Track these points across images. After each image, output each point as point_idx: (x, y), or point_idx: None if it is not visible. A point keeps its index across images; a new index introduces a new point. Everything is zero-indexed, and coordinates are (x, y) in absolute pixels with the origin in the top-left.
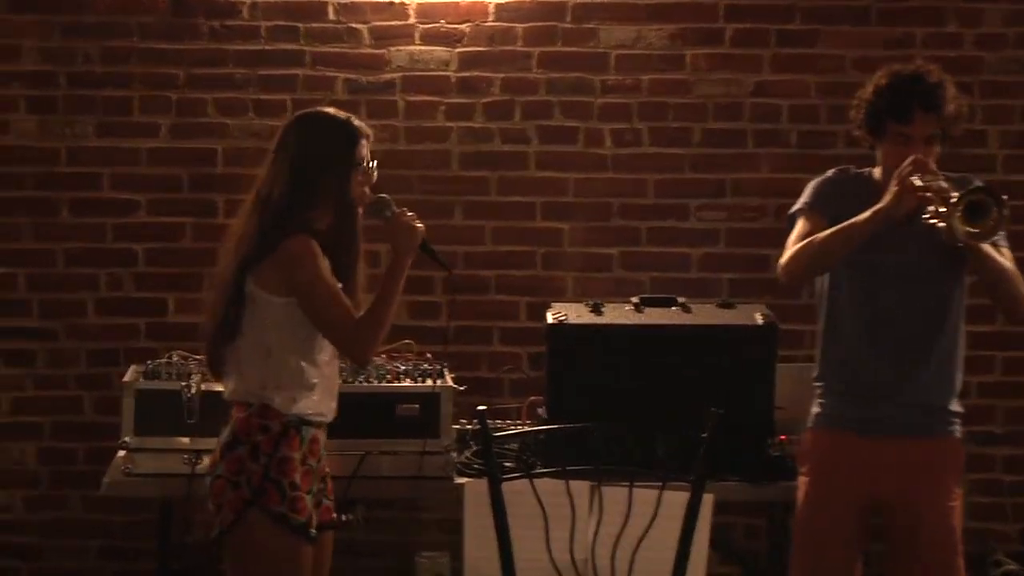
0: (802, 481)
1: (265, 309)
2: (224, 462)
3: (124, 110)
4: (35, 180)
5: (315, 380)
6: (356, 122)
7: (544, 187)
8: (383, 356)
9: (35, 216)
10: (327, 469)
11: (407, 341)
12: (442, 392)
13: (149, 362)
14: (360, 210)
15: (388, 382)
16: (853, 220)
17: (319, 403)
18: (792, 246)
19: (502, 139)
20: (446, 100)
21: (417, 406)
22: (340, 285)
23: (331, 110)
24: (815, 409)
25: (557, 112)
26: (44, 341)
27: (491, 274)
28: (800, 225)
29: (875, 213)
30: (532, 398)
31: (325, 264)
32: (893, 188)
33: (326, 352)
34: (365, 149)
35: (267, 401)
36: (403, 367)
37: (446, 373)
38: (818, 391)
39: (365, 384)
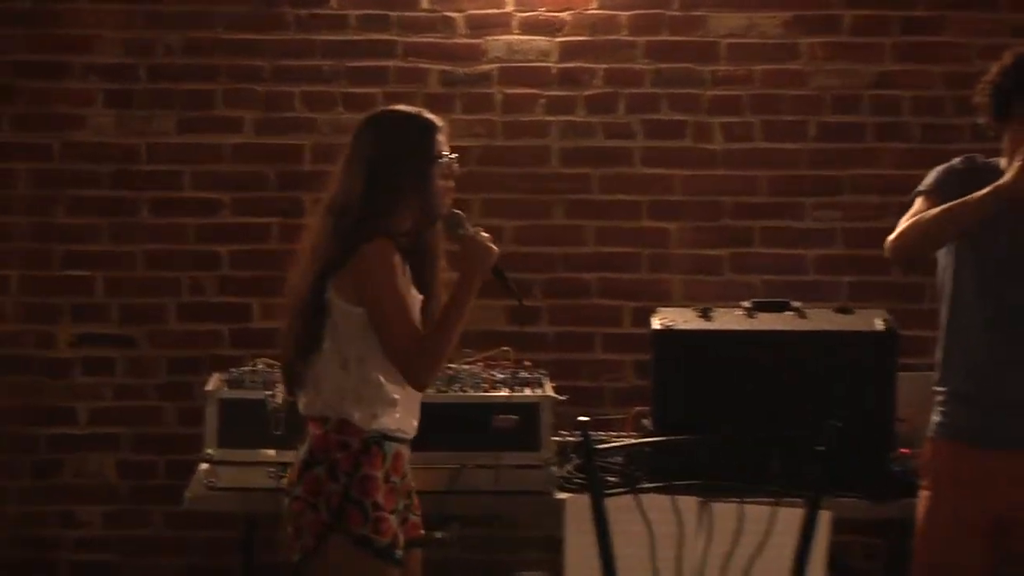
0: (922, 496)
1: (344, 319)
2: (302, 483)
3: (207, 104)
4: (113, 178)
5: (397, 396)
6: (428, 115)
7: (650, 185)
8: (479, 364)
9: (113, 216)
10: (412, 484)
11: (504, 348)
12: (542, 402)
13: (233, 370)
14: (444, 206)
15: (484, 391)
16: (968, 197)
17: (401, 419)
18: (903, 223)
19: (605, 134)
20: (546, 93)
21: (515, 417)
22: (422, 297)
23: (401, 107)
24: (935, 418)
25: (664, 105)
26: (123, 348)
27: (593, 277)
28: (917, 205)
29: (993, 190)
30: (637, 408)
31: (402, 274)
32: (1016, 163)
33: None
34: (443, 142)
35: (346, 416)
36: (500, 375)
37: (546, 382)
38: (939, 398)
39: (460, 393)
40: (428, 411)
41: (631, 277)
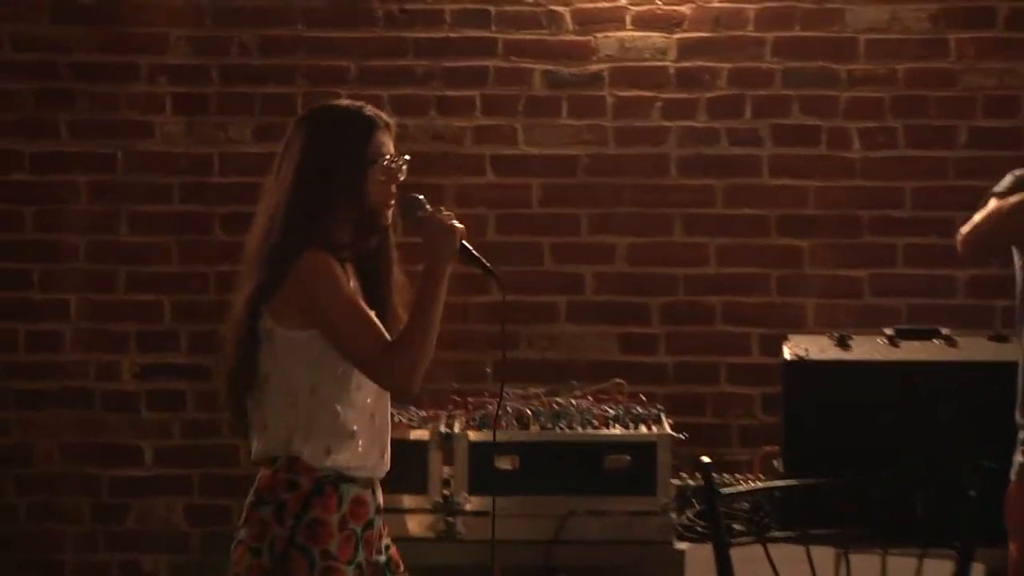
0: (1011, 548)
1: (286, 347)
2: (247, 525)
3: (286, 109)
4: (183, 192)
5: (355, 427)
6: (369, 111)
7: (780, 197)
8: (589, 398)
9: (183, 234)
10: (384, 532)
11: (617, 380)
12: (659, 441)
13: None
14: (387, 215)
15: (594, 429)
16: None
17: (363, 454)
18: (976, 216)
19: (729, 141)
20: (663, 95)
21: (629, 457)
22: (373, 311)
23: (342, 101)
24: (1018, 458)
25: (795, 108)
26: (194, 380)
27: (717, 301)
28: (991, 203)
29: None
30: (766, 448)
31: (347, 282)
32: None
33: (369, 392)
34: (385, 141)
35: (295, 453)
36: (612, 411)
37: (663, 418)
38: (1021, 435)
39: (567, 431)
40: (530, 451)
41: (759, 300)
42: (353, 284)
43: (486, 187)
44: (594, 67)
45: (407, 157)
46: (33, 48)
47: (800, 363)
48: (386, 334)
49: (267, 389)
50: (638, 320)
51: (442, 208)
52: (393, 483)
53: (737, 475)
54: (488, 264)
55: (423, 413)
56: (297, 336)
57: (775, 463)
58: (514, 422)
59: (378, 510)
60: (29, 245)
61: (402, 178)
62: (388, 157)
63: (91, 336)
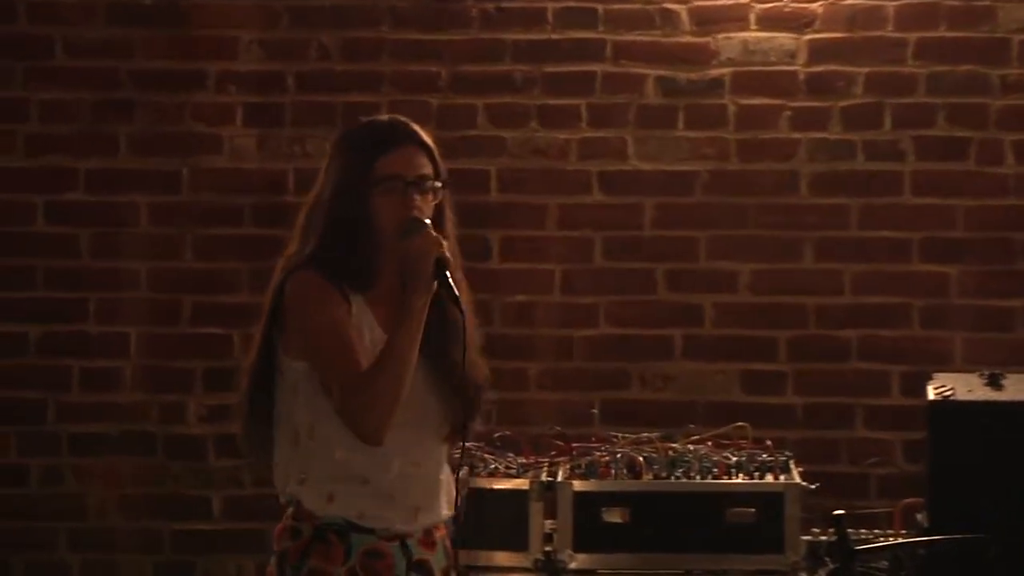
0: None
1: (289, 379)
2: None
3: None
4: (256, 213)
5: (367, 472)
6: (389, 128)
7: (923, 218)
8: (709, 443)
9: (255, 260)
10: None
11: (740, 424)
12: (787, 492)
13: None
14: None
15: (715, 478)
16: None
17: (381, 504)
18: None
19: (866, 155)
20: (791, 103)
21: (753, 510)
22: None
23: (375, 117)
24: None
25: (941, 118)
26: None
27: (853, 335)
28: None
29: None
30: (908, 500)
31: (339, 308)
32: None
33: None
34: (402, 160)
35: (297, 497)
36: (735, 458)
37: (792, 466)
38: None
39: (684, 481)
40: (643, 503)
41: (900, 334)
42: (369, 316)
43: (592, 207)
44: (714, 72)
45: (434, 182)
46: (89, 54)
47: (946, 405)
48: (360, 365)
49: (278, 427)
50: (763, 356)
51: (432, 229)
52: (488, 538)
53: (875, 530)
54: (456, 295)
55: (522, 459)
56: (297, 367)
57: (918, 517)
58: (624, 470)
59: (414, 566)
60: (85, 272)
61: (422, 201)
62: (393, 179)
63: (153, 374)
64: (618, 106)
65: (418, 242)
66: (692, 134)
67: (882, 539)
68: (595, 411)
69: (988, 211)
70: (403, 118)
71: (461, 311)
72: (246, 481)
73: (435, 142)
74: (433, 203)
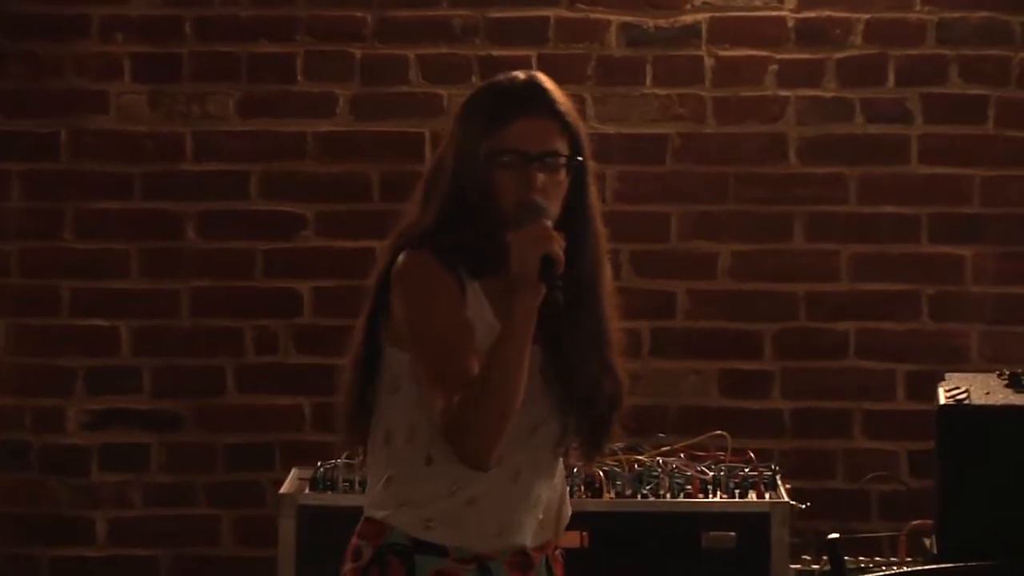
0: None
1: (392, 372)
2: None
3: (282, 74)
4: (147, 185)
5: (454, 485)
6: (519, 89)
7: (934, 190)
8: (682, 455)
9: (146, 239)
10: None
11: (718, 432)
12: (773, 512)
13: (320, 464)
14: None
15: (688, 496)
16: None
17: (460, 524)
18: None
19: (866, 116)
20: (779, 55)
21: (733, 534)
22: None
23: (505, 76)
24: None
25: (953, 73)
26: (161, 431)
27: (849, 327)
28: None
29: None
30: (914, 522)
31: (453, 295)
32: None
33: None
34: (528, 134)
35: (370, 512)
36: (711, 472)
37: (779, 482)
38: None
39: (652, 500)
40: (603, 525)
41: (906, 327)
42: (486, 307)
43: None
44: (688, 18)
45: (566, 159)
46: None
47: (960, 410)
48: (472, 370)
49: (373, 427)
50: (745, 353)
51: (546, 221)
52: None
53: (876, 557)
54: (558, 285)
55: None
56: (401, 359)
57: (926, 541)
58: (581, 487)
59: None
60: None
61: (549, 181)
62: (512, 154)
63: (26, 374)
64: (575, 58)
65: (523, 234)
66: (662, 91)
67: (884, 567)
68: None
69: (1009, 182)
70: (542, 79)
71: (562, 322)
72: (135, 500)
73: (357, 104)
74: (564, 184)
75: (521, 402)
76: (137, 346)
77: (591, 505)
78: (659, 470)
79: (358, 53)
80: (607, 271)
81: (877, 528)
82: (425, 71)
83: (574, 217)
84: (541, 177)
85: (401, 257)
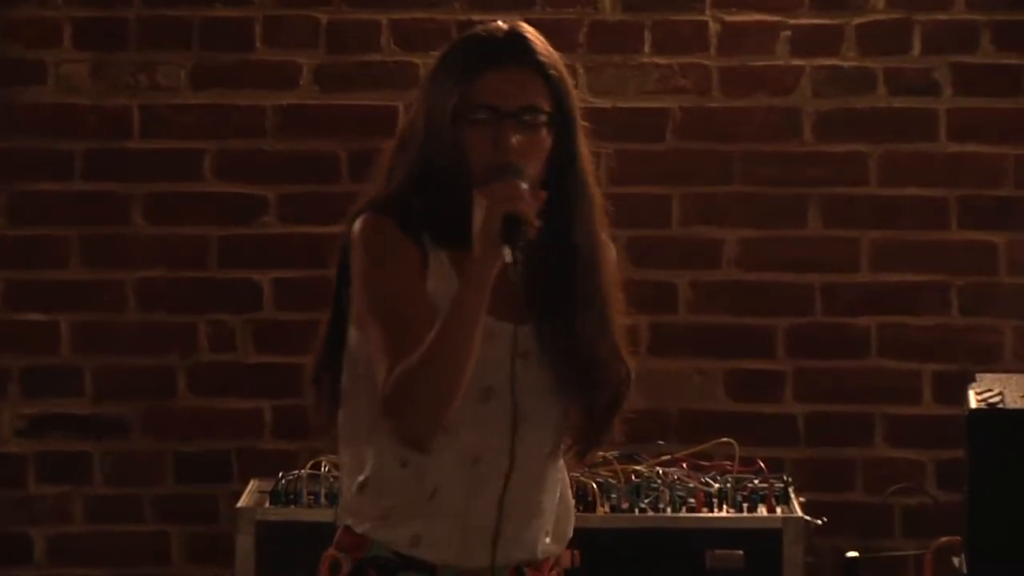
0: None
1: (351, 355)
2: None
3: (239, 41)
4: (89, 164)
5: (435, 491)
6: (493, 40)
7: (963, 170)
8: (683, 465)
9: (88, 224)
10: None
11: (725, 439)
12: (785, 528)
13: (281, 475)
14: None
15: (692, 511)
16: None
17: (443, 527)
18: None
19: (889, 88)
20: (792, 20)
21: (741, 552)
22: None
23: (485, 27)
24: None
25: (985, 40)
26: (104, 438)
27: (870, 322)
28: None
29: None
30: (941, 539)
31: (399, 259)
32: None
33: (474, 434)
34: (501, 88)
35: (351, 523)
36: (717, 484)
37: (792, 495)
38: None
39: (652, 514)
40: (598, 542)
41: (933, 322)
42: (452, 277)
43: None
44: None
45: (545, 115)
46: None
47: (992, 414)
48: (414, 344)
49: (342, 420)
50: (755, 351)
51: (520, 182)
52: None
53: None
54: (519, 269)
55: None
56: (356, 336)
57: (955, 560)
58: (574, 500)
59: None
60: None
61: (526, 140)
62: (483, 110)
63: None
64: (564, 23)
65: (488, 191)
66: (662, 60)
67: None
68: None
69: None
70: (524, 28)
71: (515, 270)
72: (76, 514)
73: (321, 74)
74: (546, 144)
75: (505, 392)
76: (78, 343)
77: (583, 521)
78: (659, 482)
79: (323, 18)
80: (606, 244)
81: (901, 546)
82: (397, 38)
83: (561, 181)
84: (517, 136)
85: (358, 221)
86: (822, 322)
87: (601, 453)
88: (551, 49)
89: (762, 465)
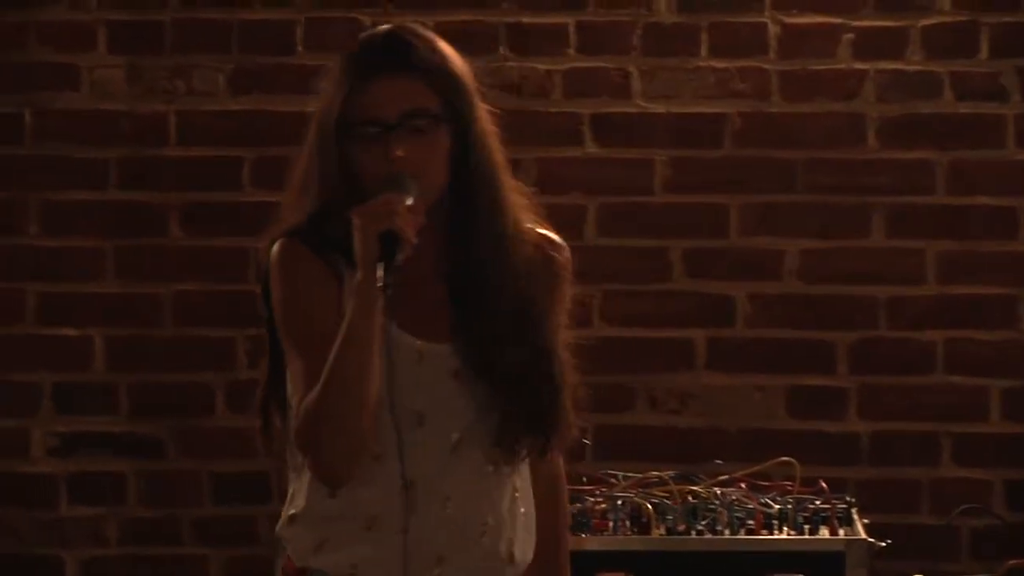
0: None
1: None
2: None
3: (279, 44)
4: (123, 172)
5: (370, 520)
6: (370, 47)
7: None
8: (741, 485)
9: (123, 236)
10: None
11: (785, 459)
12: (848, 550)
13: None
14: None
15: (751, 533)
16: None
17: (383, 554)
18: None
19: (956, 93)
20: (855, 22)
21: (802, 575)
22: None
23: (376, 31)
24: None
25: None
26: (139, 458)
27: (936, 337)
28: None
29: None
30: (1012, 562)
31: (311, 286)
32: None
33: (404, 456)
34: (381, 98)
35: (285, 542)
36: (777, 505)
37: (855, 516)
38: None
39: (709, 537)
40: (652, 565)
41: (1002, 336)
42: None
43: (583, 162)
44: None
45: (432, 118)
46: None
47: None
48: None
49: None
50: (817, 367)
51: (405, 197)
52: None
53: None
54: (387, 279)
55: None
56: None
57: None
58: (627, 522)
59: None
60: None
61: (418, 147)
62: (367, 125)
63: None
64: (618, 25)
65: (362, 210)
66: (719, 63)
67: None
68: (587, 441)
69: None
70: (400, 31)
71: (385, 285)
72: (110, 536)
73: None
74: (443, 145)
75: (437, 414)
76: (112, 359)
77: (637, 543)
78: (716, 503)
79: (367, 20)
80: (518, 239)
81: (968, 569)
82: (445, 41)
83: (463, 183)
84: (403, 146)
85: (274, 248)
86: (886, 336)
87: (656, 473)
88: (439, 44)
89: (824, 485)
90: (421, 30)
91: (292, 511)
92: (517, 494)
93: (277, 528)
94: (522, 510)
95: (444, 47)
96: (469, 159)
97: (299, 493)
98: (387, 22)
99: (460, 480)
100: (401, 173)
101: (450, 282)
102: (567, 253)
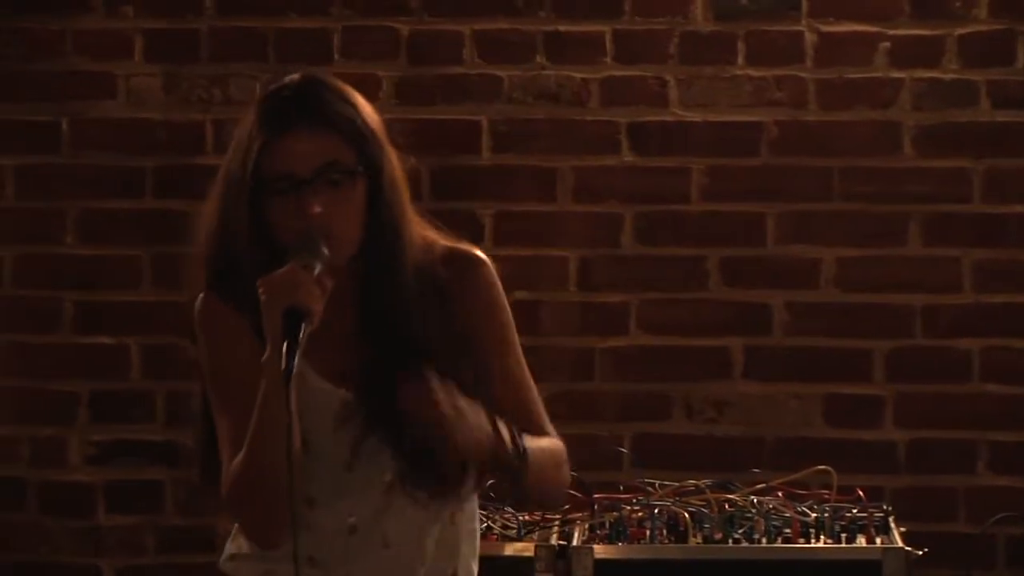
0: None
1: None
2: None
3: (317, 53)
4: (160, 181)
5: (313, 550)
6: (281, 100)
7: None
8: (779, 494)
9: (159, 244)
10: None
11: (822, 467)
12: (885, 559)
13: None
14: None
15: (787, 541)
16: None
17: None
18: None
19: (993, 101)
20: (891, 31)
21: None
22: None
23: (285, 81)
24: None
25: None
26: (176, 466)
27: (973, 345)
28: None
29: None
30: None
31: (231, 347)
32: None
33: (339, 501)
34: (293, 153)
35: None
36: (814, 514)
37: (892, 525)
38: None
39: (746, 546)
40: (691, 572)
41: None
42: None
43: (620, 171)
44: None
45: (346, 171)
46: None
47: None
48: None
49: None
50: (853, 375)
51: (316, 263)
52: None
53: None
54: (290, 363)
55: (524, 516)
56: None
57: None
58: (664, 530)
59: None
60: None
61: (334, 200)
62: (279, 181)
63: (21, 400)
64: (655, 34)
65: (266, 281)
66: (755, 72)
67: None
68: (624, 450)
69: None
70: (316, 82)
71: (287, 366)
72: (148, 545)
73: (403, 85)
74: (359, 198)
75: (367, 457)
76: (149, 367)
77: (674, 552)
78: (753, 511)
79: (404, 28)
80: (427, 280)
81: None
82: (482, 49)
83: (372, 232)
84: (319, 200)
85: (197, 302)
86: (923, 345)
87: (693, 482)
88: (350, 94)
89: (861, 494)
90: (331, 80)
91: (233, 551)
92: (458, 514)
93: (220, 562)
94: (465, 527)
95: (355, 96)
96: (380, 208)
97: (239, 537)
98: (424, 31)
99: (397, 518)
100: (314, 232)
101: (363, 326)
102: (478, 261)
